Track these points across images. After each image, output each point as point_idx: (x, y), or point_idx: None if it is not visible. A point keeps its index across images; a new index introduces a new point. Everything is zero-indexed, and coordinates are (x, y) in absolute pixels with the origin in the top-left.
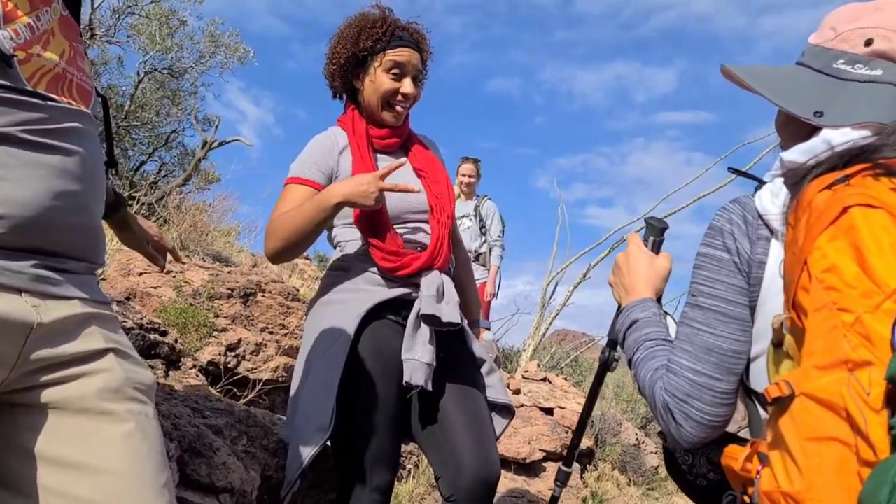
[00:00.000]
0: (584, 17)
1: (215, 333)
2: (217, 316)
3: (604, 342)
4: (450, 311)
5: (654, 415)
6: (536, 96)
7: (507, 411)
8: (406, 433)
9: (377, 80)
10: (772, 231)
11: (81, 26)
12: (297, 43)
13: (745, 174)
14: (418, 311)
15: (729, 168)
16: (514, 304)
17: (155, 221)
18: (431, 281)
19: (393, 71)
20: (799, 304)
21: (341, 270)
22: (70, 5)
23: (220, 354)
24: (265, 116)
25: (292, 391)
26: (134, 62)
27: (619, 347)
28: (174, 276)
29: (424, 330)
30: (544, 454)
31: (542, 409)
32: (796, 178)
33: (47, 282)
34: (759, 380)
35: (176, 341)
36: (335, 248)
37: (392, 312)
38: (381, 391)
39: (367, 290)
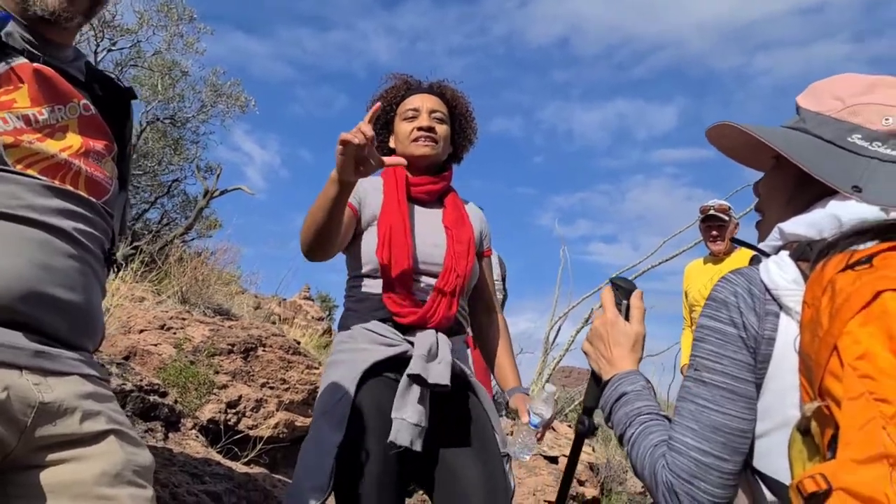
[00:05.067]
0: (581, 59)
1: (215, 390)
2: (217, 372)
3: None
4: (439, 372)
5: (654, 495)
6: (537, 136)
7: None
8: (423, 485)
9: (398, 130)
10: (781, 306)
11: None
12: (300, 86)
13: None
14: (408, 371)
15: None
16: (517, 343)
17: (156, 275)
18: (424, 340)
19: (409, 116)
20: (827, 391)
21: (346, 329)
22: (108, 110)
23: (220, 412)
24: (271, 158)
25: (302, 446)
26: (137, 112)
27: (597, 413)
28: (174, 333)
29: (415, 390)
30: None
31: (546, 457)
32: (800, 253)
33: (46, 357)
34: (767, 460)
35: (176, 402)
36: (346, 300)
37: (390, 370)
38: (380, 449)
39: (367, 349)
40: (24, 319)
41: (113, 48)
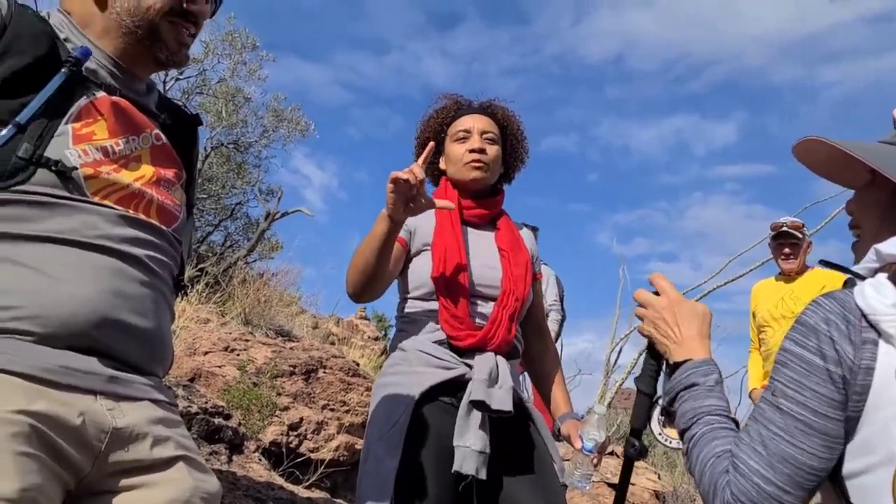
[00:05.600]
0: (636, 74)
1: (277, 412)
2: (279, 394)
3: None
4: (501, 397)
5: (707, 499)
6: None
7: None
8: None
9: (449, 152)
10: (879, 332)
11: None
12: (356, 109)
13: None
14: (469, 396)
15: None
16: (574, 364)
17: (220, 296)
18: (484, 364)
19: (460, 137)
20: None
21: (400, 351)
22: (177, 137)
23: (282, 434)
24: (329, 181)
25: (359, 472)
26: (202, 138)
27: (644, 433)
28: (238, 355)
29: (476, 415)
30: None
31: (610, 485)
32: None
33: (119, 383)
34: (869, 498)
35: (240, 424)
36: (398, 321)
37: (446, 394)
38: (438, 478)
39: (422, 373)
40: (98, 345)
41: (180, 77)
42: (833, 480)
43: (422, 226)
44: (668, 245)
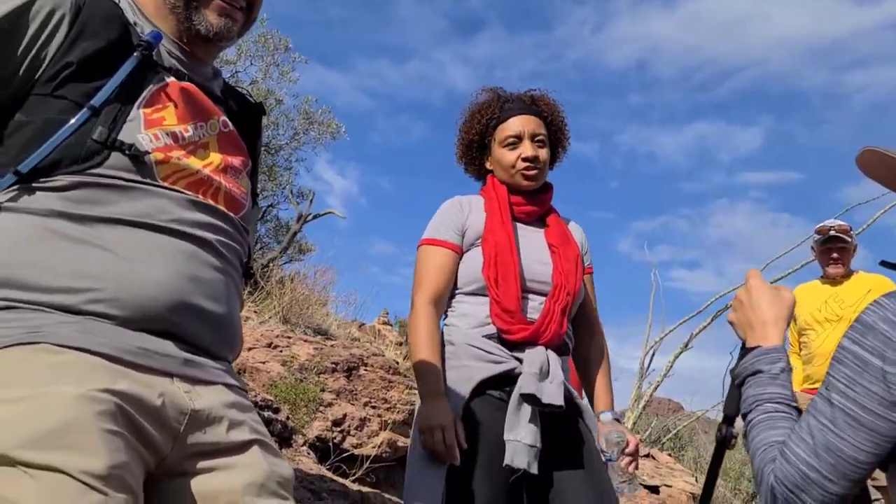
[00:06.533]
0: (659, 81)
1: (321, 408)
2: (323, 390)
3: (713, 415)
4: (552, 392)
5: (757, 488)
6: (615, 159)
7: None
8: None
9: (496, 157)
10: None
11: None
12: (380, 115)
13: None
14: (520, 390)
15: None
16: None
17: (258, 294)
18: (535, 357)
19: (508, 143)
20: None
21: (449, 345)
22: (246, 123)
23: (326, 430)
24: (350, 187)
25: (407, 467)
26: None
27: (736, 422)
28: (281, 351)
29: (527, 409)
30: None
31: (647, 486)
32: None
33: (194, 366)
34: None
35: (287, 418)
36: (447, 316)
37: (495, 388)
38: (488, 472)
39: (471, 366)
40: (174, 329)
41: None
42: None
43: (473, 222)
44: (691, 252)
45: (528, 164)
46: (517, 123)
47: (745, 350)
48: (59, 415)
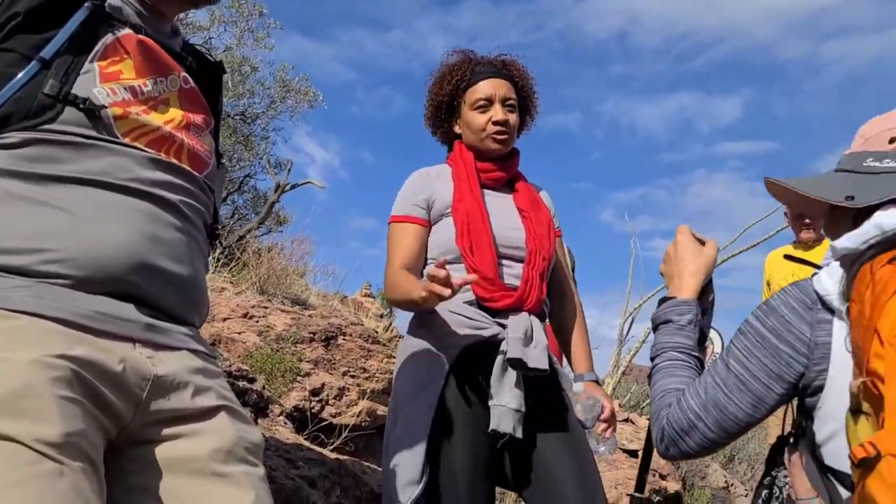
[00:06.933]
0: (640, 52)
1: (299, 378)
2: (300, 360)
3: None
4: (537, 356)
5: (651, 422)
6: (596, 130)
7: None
8: (503, 482)
9: (466, 119)
10: (833, 311)
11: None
12: (360, 88)
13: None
14: (505, 355)
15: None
16: None
17: (234, 265)
18: (519, 323)
19: (478, 105)
20: (874, 372)
21: (429, 313)
22: (207, 83)
23: (304, 399)
24: (331, 159)
25: (385, 435)
26: None
27: None
28: (257, 321)
29: (511, 374)
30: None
31: (626, 451)
32: (850, 262)
33: (157, 331)
34: (839, 460)
35: (263, 388)
36: None
37: (478, 354)
38: (471, 439)
39: (454, 334)
40: (135, 291)
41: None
42: (812, 453)
43: (440, 192)
44: (671, 222)
45: (498, 127)
46: (488, 86)
47: (662, 300)
48: (12, 381)
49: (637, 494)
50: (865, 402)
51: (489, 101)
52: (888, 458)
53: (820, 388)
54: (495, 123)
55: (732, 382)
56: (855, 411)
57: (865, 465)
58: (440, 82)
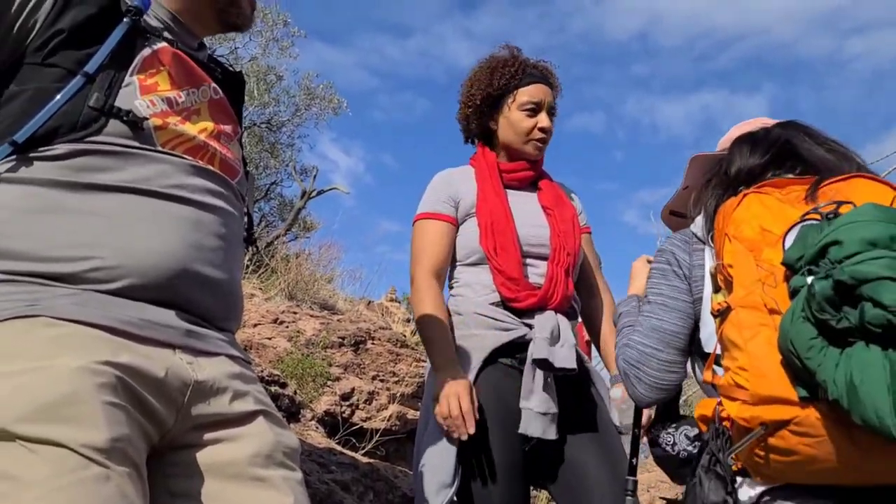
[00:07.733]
0: (661, 51)
1: (329, 383)
2: (330, 365)
3: None
4: (564, 355)
5: (619, 375)
6: (619, 130)
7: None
8: (535, 481)
9: (513, 119)
10: (704, 242)
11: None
12: (383, 94)
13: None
14: (532, 355)
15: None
16: None
17: (263, 272)
18: (545, 322)
19: (528, 108)
20: (727, 264)
21: (456, 315)
22: (231, 93)
23: (335, 404)
24: (355, 165)
25: (417, 438)
26: None
27: None
28: (287, 327)
29: (540, 376)
30: (665, 503)
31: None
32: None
33: (196, 337)
34: (709, 345)
35: (295, 393)
36: (451, 288)
37: (506, 355)
38: (503, 441)
39: (480, 335)
40: (178, 298)
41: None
42: (696, 355)
43: (465, 194)
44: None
45: (543, 135)
46: (539, 91)
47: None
48: (59, 388)
49: (663, 496)
50: (721, 285)
51: (538, 107)
52: (737, 309)
53: (699, 298)
54: (541, 130)
55: (658, 308)
56: (716, 291)
57: (721, 315)
58: (491, 74)
